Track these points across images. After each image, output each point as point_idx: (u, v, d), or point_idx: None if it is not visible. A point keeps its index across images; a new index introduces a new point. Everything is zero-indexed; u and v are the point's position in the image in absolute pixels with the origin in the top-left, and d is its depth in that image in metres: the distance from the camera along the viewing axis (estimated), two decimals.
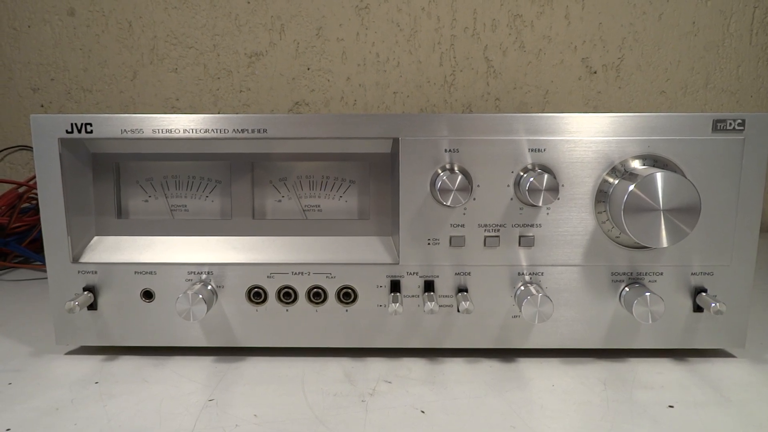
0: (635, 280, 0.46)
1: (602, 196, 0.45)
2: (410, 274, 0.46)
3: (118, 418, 0.39)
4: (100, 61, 0.98)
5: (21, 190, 0.83)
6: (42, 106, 1.00)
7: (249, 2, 0.96)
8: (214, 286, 0.47)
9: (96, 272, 0.47)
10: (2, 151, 1.02)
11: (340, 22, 0.97)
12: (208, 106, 1.00)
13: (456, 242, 0.46)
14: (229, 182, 0.49)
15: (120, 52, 0.98)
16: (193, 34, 0.98)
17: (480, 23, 0.97)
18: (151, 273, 0.47)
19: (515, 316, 0.47)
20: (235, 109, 1.00)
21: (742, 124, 0.44)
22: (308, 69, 0.99)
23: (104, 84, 0.99)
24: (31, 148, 0.46)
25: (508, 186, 0.45)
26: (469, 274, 0.46)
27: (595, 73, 0.99)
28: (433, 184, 0.45)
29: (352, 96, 1.00)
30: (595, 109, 1.01)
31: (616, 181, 0.44)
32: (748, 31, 0.99)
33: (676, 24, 0.98)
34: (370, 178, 0.48)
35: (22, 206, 0.81)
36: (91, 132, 0.45)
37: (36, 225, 0.80)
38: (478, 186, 0.45)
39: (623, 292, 0.46)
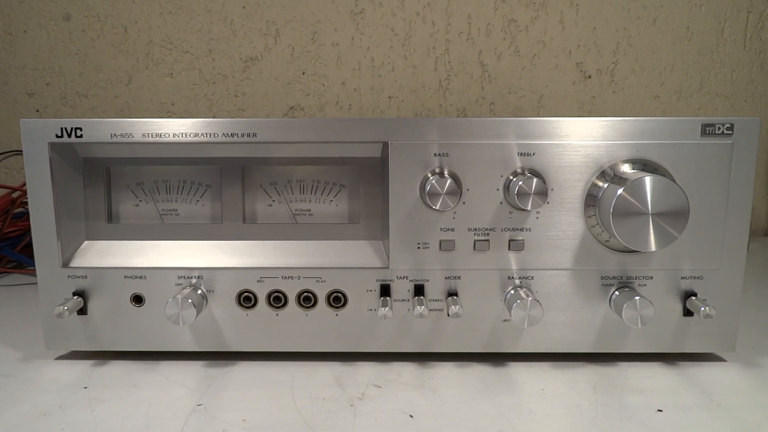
0: (625, 284, 0.46)
1: (591, 200, 0.45)
2: (400, 278, 0.46)
3: (106, 423, 0.39)
4: (95, 65, 0.98)
5: (15, 195, 0.83)
6: (37, 110, 1.00)
7: (244, 7, 0.97)
8: (204, 290, 0.47)
9: (86, 277, 0.47)
10: None
11: (335, 27, 0.97)
12: (203, 110, 1.00)
13: (446, 246, 0.46)
14: (219, 186, 0.49)
15: (115, 56, 0.98)
16: (189, 39, 0.98)
17: (474, 28, 0.98)
18: (141, 277, 0.47)
19: (505, 320, 0.47)
20: (231, 114, 1.00)
21: (731, 128, 0.44)
22: (303, 74, 0.99)
23: (99, 89, 0.99)
24: None
25: (498, 190, 0.45)
26: (459, 278, 0.46)
27: (590, 77, 1.00)
28: (422, 188, 0.45)
29: (347, 101, 1.00)
30: (590, 114, 1.01)
31: (606, 185, 0.44)
32: (742, 35, 0.99)
33: (670, 29, 0.98)
34: (361, 182, 0.48)
35: (15, 211, 0.81)
36: (81, 136, 0.45)
37: (29, 230, 0.80)
38: (468, 190, 0.45)
39: (613, 296, 0.46)
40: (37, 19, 0.97)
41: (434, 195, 0.44)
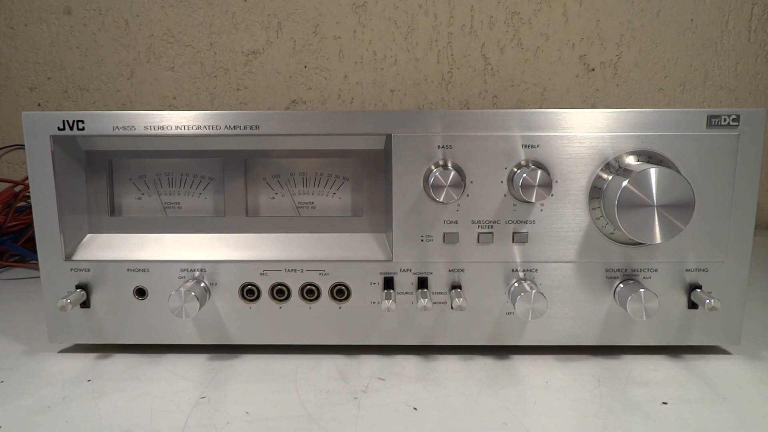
0: (630, 277, 0.46)
1: (596, 192, 0.44)
2: (404, 270, 0.46)
3: (110, 416, 0.39)
4: (96, 59, 0.98)
5: (17, 189, 0.83)
6: (39, 105, 1.00)
7: (246, 0, 0.96)
8: (207, 283, 0.47)
9: (89, 270, 0.47)
10: None
11: (336, 20, 0.97)
12: (205, 104, 1.00)
13: (449, 239, 0.46)
14: (222, 179, 0.49)
15: (117, 50, 0.98)
16: (190, 33, 0.97)
17: (477, 20, 0.97)
18: (144, 270, 0.47)
19: (509, 313, 0.47)
20: (233, 108, 1.00)
21: (737, 119, 0.44)
22: (305, 67, 0.99)
23: (101, 83, 0.99)
24: None
25: (502, 182, 0.45)
26: (462, 270, 0.46)
27: (593, 70, 0.99)
28: (426, 180, 0.45)
29: (350, 94, 1.00)
30: (593, 107, 1.00)
31: (610, 177, 0.43)
32: (746, 27, 0.98)
33: (674, 21, 0.98)
34: (364, 174, 0.48)
35: (18, 205, 0.81)
36: (83, 129, 0.45)
37: (32, 224, 0.80)
38: (472, 182, 0.45)
39: (617, 289, 0.46)
40: (38, 13, 0.97)
41: (438, 187, 0.43)
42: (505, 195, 0.45)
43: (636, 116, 0.44)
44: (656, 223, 0.41)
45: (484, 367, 0.46)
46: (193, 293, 0.44)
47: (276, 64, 0.99)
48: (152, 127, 0.45)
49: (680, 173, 0.43)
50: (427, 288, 0.46)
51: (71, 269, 0.47)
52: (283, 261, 0.47)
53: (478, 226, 0.45)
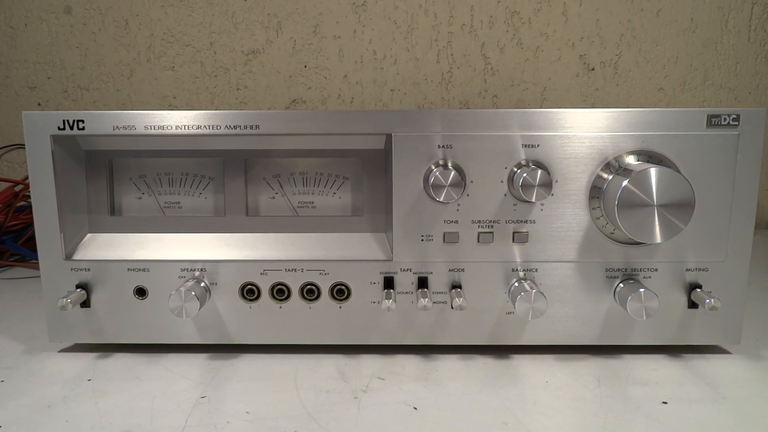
0: (630, 276, 0.46)
1: (596, 191, 0.44)
2: (404, 270, 0.46)
3: (110, 416, 0.39)
4: (96, 59, 0.98)
5: (17, 188, 0.83)
6: (39, 104, 1.00)
7: (246, 0, 0.96)
8: (207, 283, 0.47)
9: (89, 269, 0.47)
10: None
11: (336, 20, 0.97)
12: (205, 104, 1.00)
13: (449, 238, 0.46)
14: (222, 179, 0.49)
15: (117, 50, 0.98)
16: (190, 32, 0.97)
17: (477, 20, 0.97)
18: (144, 270, 0.47)
19: (509, 313, 0.47)
20: (232, 107, 1.00)
21: (737, 119, 0.44)
22: (305, 66, 0.99)
23: (101, 82, 0.99)
24: None
25: (502, 182, 0.45)
26: (462, 270, 0.46)
27: (593, 69, 0.99)
28: (426, 180, 0.45)
29: (350, 93, 1.00)
30: (593, 106, 1.00)
31: (610, 177, 0.43)
32: (747, 27, 0.98)
33: (674, 20, 0.98)
34: (364, 174, 0.48)
35: (18, 204, 0.81)
36: (83, 129, 0.45)
37: (32, 223, 0.80)
38: (472, 182, 0.45)
39: (618, 288, 0.46)
40: (38, 13, 0.97)
41: (438, 187, 0.43)
42: (505, 195, 0.45)
43: (636, 116, 0.44)
44: (656, 222, 0.41)
45: (484, 366, 0.46)
46: (193, 293, 0.44)
47: (276, 64, 0.99)
48: (152, 127, 0.45)
49: (680, 173, 0.43)
50: (427, 287, 0.46)
51: (71, 269, 0.47)
52: (283, 261, 0.47)
53: (479, 226, 0.45)
